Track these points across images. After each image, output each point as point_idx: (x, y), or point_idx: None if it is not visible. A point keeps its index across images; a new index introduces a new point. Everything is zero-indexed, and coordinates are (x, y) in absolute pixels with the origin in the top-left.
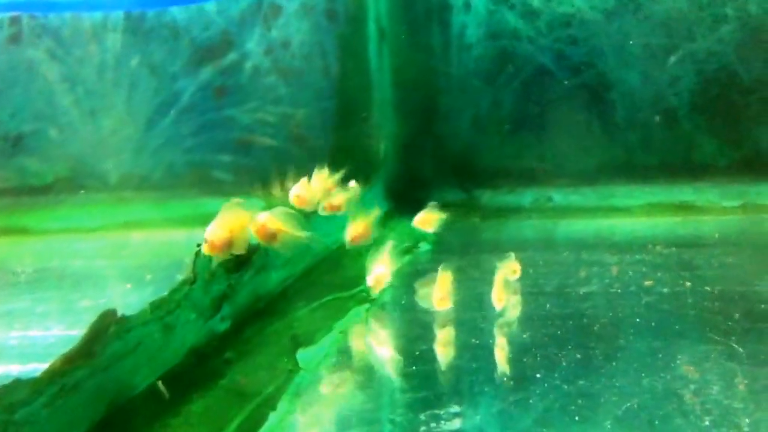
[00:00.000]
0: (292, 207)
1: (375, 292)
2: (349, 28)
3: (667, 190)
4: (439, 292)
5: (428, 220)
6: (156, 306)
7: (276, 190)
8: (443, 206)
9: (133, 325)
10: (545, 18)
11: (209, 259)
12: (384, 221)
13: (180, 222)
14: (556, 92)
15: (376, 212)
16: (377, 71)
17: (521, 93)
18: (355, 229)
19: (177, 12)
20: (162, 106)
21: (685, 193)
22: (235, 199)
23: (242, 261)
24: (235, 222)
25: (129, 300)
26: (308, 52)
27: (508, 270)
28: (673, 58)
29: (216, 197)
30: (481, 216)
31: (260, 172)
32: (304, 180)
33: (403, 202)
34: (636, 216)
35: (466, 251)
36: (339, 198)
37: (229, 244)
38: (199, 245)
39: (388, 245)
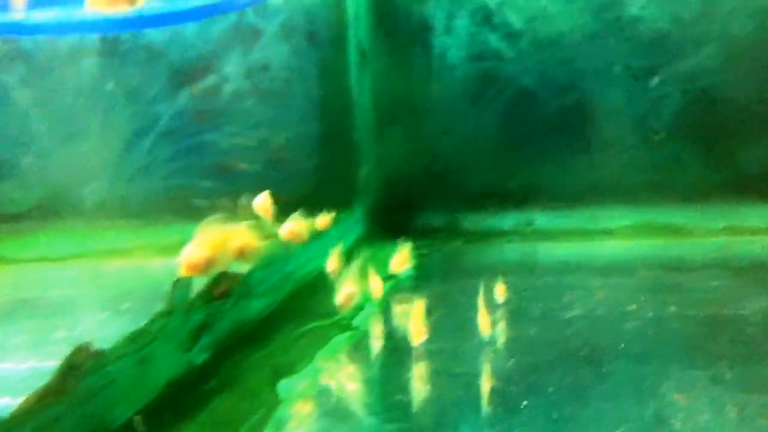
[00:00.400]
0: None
1: (344, 311)
2: (329, 50)
3: (650, 212)
4: (415, 327)
5: (402, 260)
6: (132, 338)
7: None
8: (425, 230)
9: (108, 359)
10: (527, 39)
11: (188, 289)
12: (365, 245)
13: (157, 249)
14: (539, 114)
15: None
16: (358, 94)
17: (504, 115)
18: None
19: (154, 35)
20: (139, 130)
21: (669, 215)
22: (213, 217)
23: (223, 290)
24: (215, 239)
25: (105, 330)
26: (288, 75)
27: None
28: (656, 80)
29: (194, 224)
30: (464, 239)
31: (240, 197)
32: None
33: (385, 225)
34: (619, 238)
35: (448, 275)
36: (300, 225)
37: (209, 262)
38: (177, 275)
39: (356, 264)
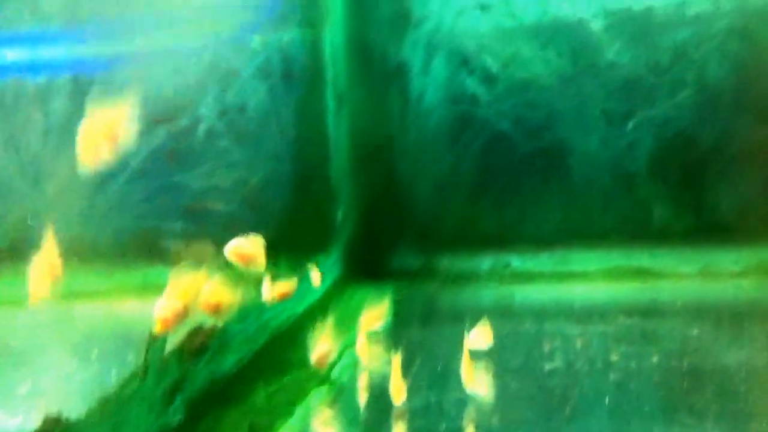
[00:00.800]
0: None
1: (321, 371)
2: (306, 92)
3: (624, 255)
4: (395, 385)
5: (376, 316)
6: (104, 405)
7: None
8: (402, 272)
9: (80, 428)
10: (504, 83)
11: (162, 349)
12: (340, 287)
13: (127, 292)
14: (515, 156)
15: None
16: (335, 136)
17: (480, 157)
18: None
19: (129, 73)
20: (110, 170)
21: (642, 258)
22: (183, 264)
23: (198, 347)
24: (189, 288)
25: (74, 381)
26: (264, 116)
27: (477, 340)
28: (631, 124)
29: (166, 266)
30: (440, 282)
31: (213, 239)
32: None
33: (361, 268)
34: (594, 281)
35: (427, 320)
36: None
37: (183, 314)
38: (151, 334)
39: (330, 320)
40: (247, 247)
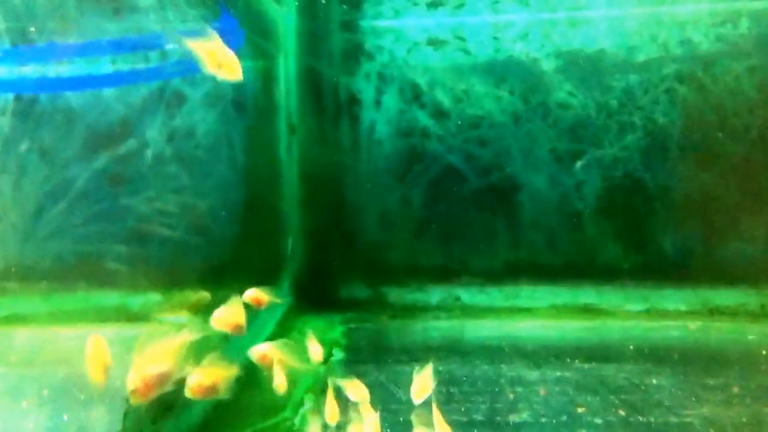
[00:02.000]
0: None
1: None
2: (257, 120)
3: (571, 293)
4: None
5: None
6: None
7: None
8: (350, 303)
9: None
10: (455, 118)
11: (138, 416)
12: (291, 318)
13: (69, 317)
14: (464, 191)
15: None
16: (286, 164)
17: (430, 191)
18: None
19: (72, 97)
20: (52, 193)
21: (588, 295)
22: (154, 323)
23: (169, 403)
24: (163, 348)
25: (26, 427)
26: (214, 143)
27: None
28: (579, 163)
29: (108, 290)
30: (390, 314)
31: (157, 264)
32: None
33: (310, 298)
34: (541, 318)
35: (381, 359)
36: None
37: (163, 378)
38: (127, 401)
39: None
40: (232, 315)
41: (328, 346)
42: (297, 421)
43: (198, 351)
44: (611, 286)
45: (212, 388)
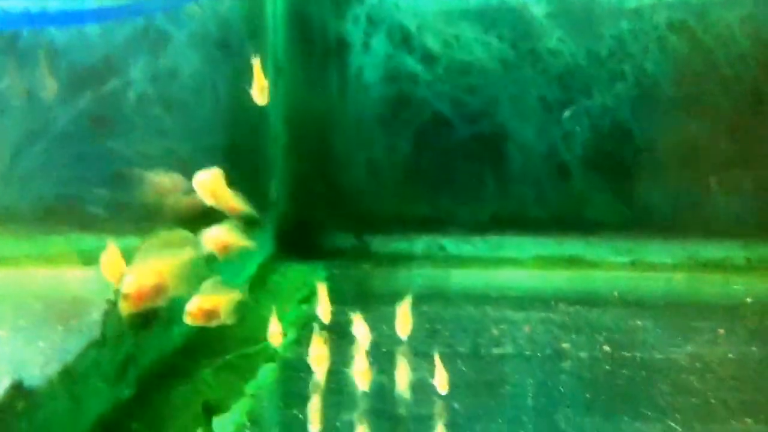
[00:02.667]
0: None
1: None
2: (243, 62)
3: (557, 244)
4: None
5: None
6: (64, 375)
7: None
8: (333, 251)
9: (41, 399)
10: (444, 64)
11: (120, 319)
12: (273, 266)
13: (48, 259)
14: (451, 140)
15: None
16: (272, 108)
17: (416, 139)
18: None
19: (56, 34)
20: (33, 133)
21: (575, 247)
22: (154, 237)
23: (151, 315)
24: (165, 262)
25: (3, 351)
26: (198, 84)
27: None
28: (568, 113)
29: (89, 233)
30: (373, 263)
31: (138, 208)
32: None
33: (293, 246)
34: (527, 268)
35: (363, 301)
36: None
37: (158, 291)
38: (109, 301)
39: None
40: (225, 236)
41: (310, 287)
42: (280, 349)
43: (197, 273)
44: (598, 237)
45: (213, 313)
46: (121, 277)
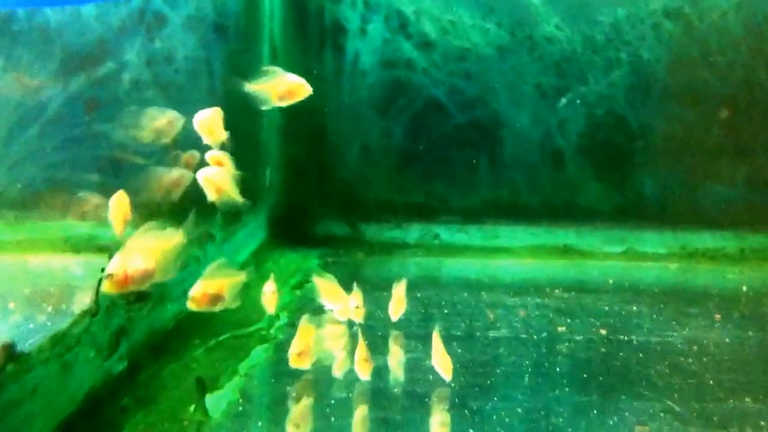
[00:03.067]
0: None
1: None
2: (239, 45)
3: (550, 233)
4: (296, 348)
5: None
6: (56, 340)
7: None
8: (326, 238)
9: (32, 363)
10: (441, 50)
11: (109, 298)
12: (266, 250)
13: (38, 245)
14: (446, 126)
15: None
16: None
17: (412, 125)
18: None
19: (50, 14)
20: (25, 116)
21: (568, 236)
22: (148, 225)
23: (143, 291)
24: (156, 247)
25: None
26: (193, 68)
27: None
28: (563, 100)
29: (78, 220)
30: (366, 251)
31: (131, 193)
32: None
33: (286, 232)
34: (520, 257)
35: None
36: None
37: (145, 275)
38: (103, 270)
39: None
40: (219, 177)
41: (303, 273)
42: (272, 331)
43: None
44: (591, 227)
45: (217, 297)
46: (126, 222)
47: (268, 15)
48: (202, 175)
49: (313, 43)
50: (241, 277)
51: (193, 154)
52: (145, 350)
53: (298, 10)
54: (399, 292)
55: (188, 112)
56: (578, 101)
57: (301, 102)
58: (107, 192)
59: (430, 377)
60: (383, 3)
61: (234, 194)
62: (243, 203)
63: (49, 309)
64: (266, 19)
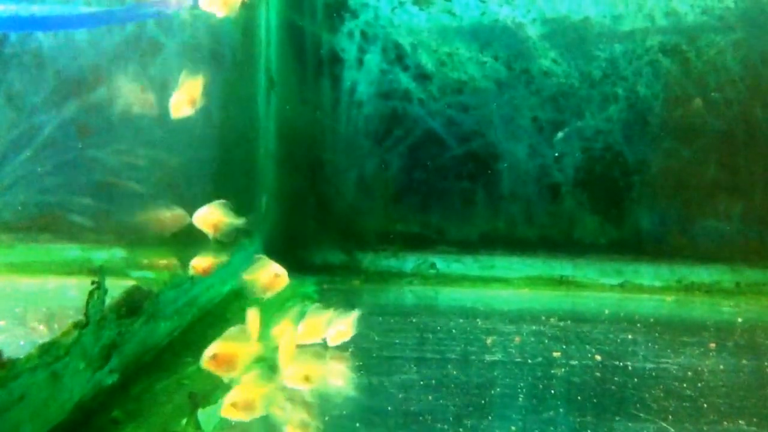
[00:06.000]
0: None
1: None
2: (235, 73)
3: (546, 265)
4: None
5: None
6: (45, 350)
7: None
8: (323, 267)
9: (20, 370)
10: (438, 82)
11: (103, 300)
12: None
13: (29, 269)
14: (443, 158)
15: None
16: (264, 121)
17: (409, 156)
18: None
19: (44, 39)
20: (18, 140)
21: (564, 268)
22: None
23: (135, 306)
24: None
25: None
26: None
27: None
28: (560, 134)
29: (72, 243)
30: (363, 279)
31: (124, 219)
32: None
33: (282, 260)
34: (516, 287)
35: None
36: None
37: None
38: (94, 282)
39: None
40: (212, 215)
41: (299, 298)
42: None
43: None
44: (587, 259)
45: (230, 362)
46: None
47: (264, 44)
48: (196, 219)
49: (309, 72)
50: (257, 348)
51: None
52: (137, 365)
53: (294, 40)
54: (347, 321)
55: (184, 141)
56: (575, 135)
57: (298, 131)
58: (100, 217)
59: (423, 395)
60: (380, 34)
61: (231, 222)
62: (243, 222)
63: (41, 328)
64: (262, 48)
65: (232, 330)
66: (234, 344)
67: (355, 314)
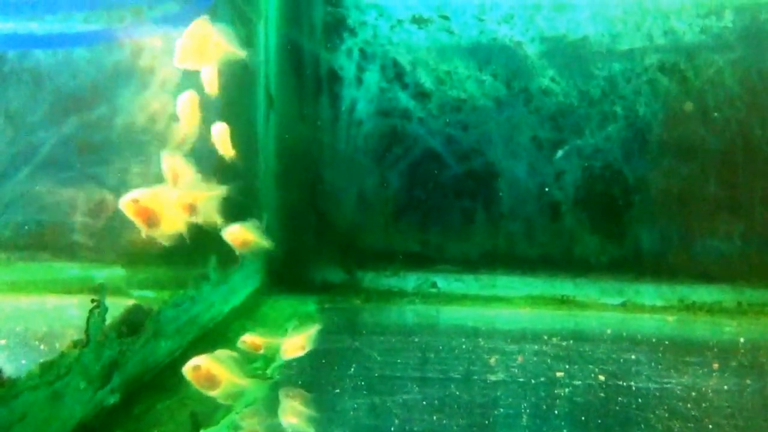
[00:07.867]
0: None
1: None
2: (235, 91)
3: (547, 284)
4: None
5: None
6: (46, 369)
7: None
8: (323, 285)
9: (20, 389)
10: (437, 101)
11: (102, 319)
12: (262, 295)
13: (29, 287)
14: (443, 176)
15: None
16: (263, 138)
17: (408, 174)
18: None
19: (42, 57)
20: (17, 158)
21: (565, 287)
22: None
23: (136, 325)
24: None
25: None
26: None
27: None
28: (560, 152)
29: (72, 261)
30: (363, 298)
31: (122, 237)
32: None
33: (282, 278)
34: (518, 306)
35: (354, 331)
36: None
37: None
38: (94, 301)
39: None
40: (244, 233)
41: (300, 317)
42: (269, 371)
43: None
44: (588, 278)
45: (213, 380)
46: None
47: (263, 62)
48: (228, 234)
49: (309, 90)
50: (241, 380)
51: None
52: (138, 385)
53: (293, 58)
54: (305, 334)
55: (184, 157)
56: (574, 153)
57: (297, 148)
58: (100, 235)
59: (425, 415)
60: (379, 52)
61: (260, 242)
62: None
63: (42, 347)
64: (262, 66)
65: (224, 352)
66: (221, 365)
67: (314, 328)
